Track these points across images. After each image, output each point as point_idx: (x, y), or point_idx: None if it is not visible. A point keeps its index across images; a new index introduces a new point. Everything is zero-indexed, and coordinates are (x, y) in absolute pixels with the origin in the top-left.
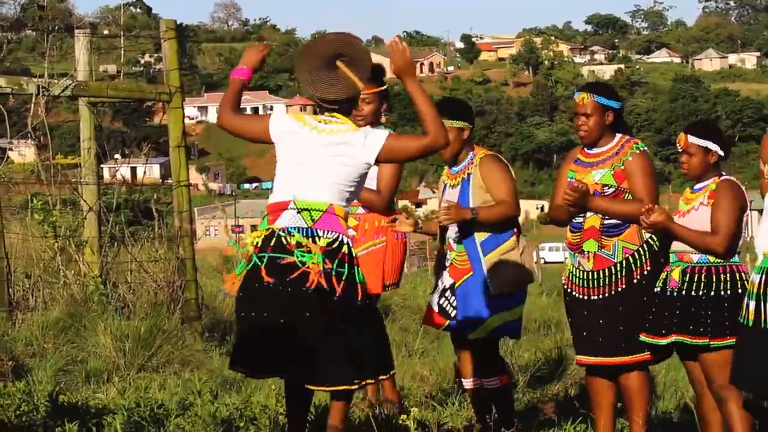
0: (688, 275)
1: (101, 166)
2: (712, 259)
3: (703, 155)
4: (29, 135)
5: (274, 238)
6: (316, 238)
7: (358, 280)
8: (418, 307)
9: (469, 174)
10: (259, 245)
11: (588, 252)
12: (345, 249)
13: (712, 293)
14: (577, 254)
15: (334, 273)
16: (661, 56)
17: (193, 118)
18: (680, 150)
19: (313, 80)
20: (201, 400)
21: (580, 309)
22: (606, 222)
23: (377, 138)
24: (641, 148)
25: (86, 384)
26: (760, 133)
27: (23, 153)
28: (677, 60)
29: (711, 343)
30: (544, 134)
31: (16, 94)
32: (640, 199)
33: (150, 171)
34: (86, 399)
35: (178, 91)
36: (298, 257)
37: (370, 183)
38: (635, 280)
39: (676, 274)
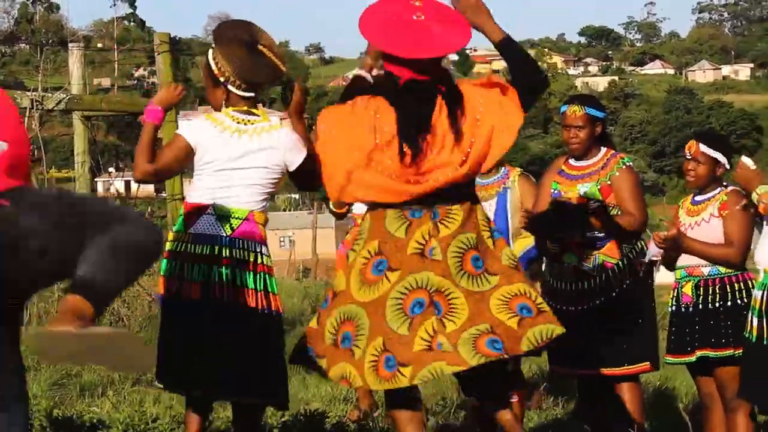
0: (701, 289)
1: (95, 179)
2: (723, 270)
3: (712, 166)
4: None
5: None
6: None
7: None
8: None
9: (505, 188)
10: None
11: (567, 264)
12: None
13: (729, 303)
14: (555, 264)
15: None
16: (654, 68)
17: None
18: (689, 157)
19: (240, 64)
20: None
21: None
22: (587, 235)
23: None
24: (627, 163)
25: (81, 398)
26: (754, 144)
27: None
28: (671, 71)
29: (735, 353)
30: (538, 146)
31: None
32: (630, 213)
33: (144, 184)
34: (81, 413)
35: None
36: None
37: None
38: (614, 294)
39: (688, 290)
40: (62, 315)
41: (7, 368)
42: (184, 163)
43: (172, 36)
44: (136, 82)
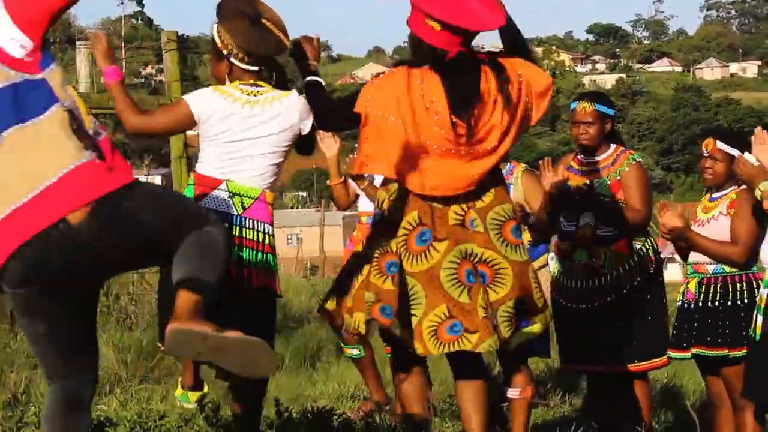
0: (704, 286)
1: None
2: (727, 269)
3: (729, 163)
4: None
5: None
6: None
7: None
8: None
9: (509, 185)
10: None
11: (578, 261)
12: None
13: (729, 303)
14: (566, 262)
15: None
16: (662, 65)
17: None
18: (705, 155)
19: (243, 37)
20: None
21: (566, 318)
22: (598, 232)
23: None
24: (637, 159)
25: None
26: None
27: None
28: (678, 69)
29: (729, 353)
30: (546, 144)
31: None
32: (636, 209)
33: (152, 182)
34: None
35: None
36: None
37: None
38: (624, 291)
39: (692, 286)
40: (188, 309)
41: (92, 346)
42: (180, 127)
43: (180, 34)
44: (143, 80)
